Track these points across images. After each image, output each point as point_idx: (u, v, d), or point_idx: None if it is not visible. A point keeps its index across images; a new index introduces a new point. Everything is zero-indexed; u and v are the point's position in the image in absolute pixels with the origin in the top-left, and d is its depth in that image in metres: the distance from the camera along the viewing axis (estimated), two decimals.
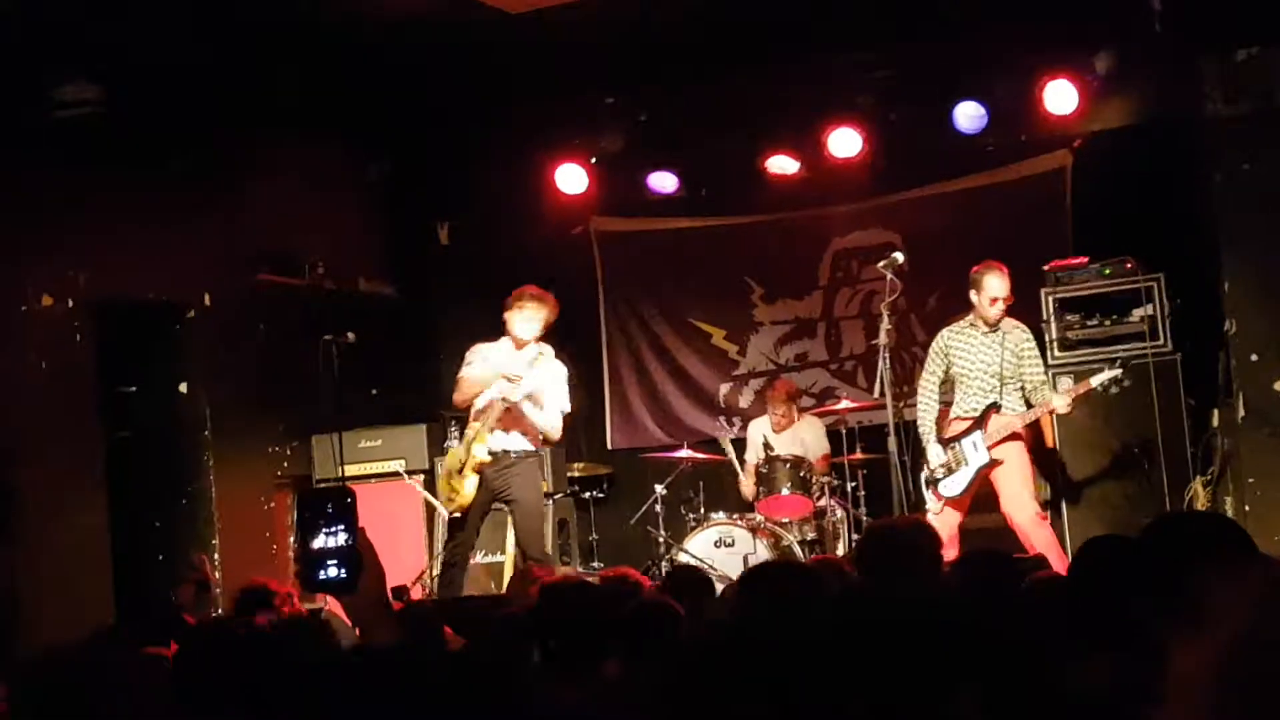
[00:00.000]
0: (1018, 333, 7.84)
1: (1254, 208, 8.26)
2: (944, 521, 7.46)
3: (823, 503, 9.11)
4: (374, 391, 10.18)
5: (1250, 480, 8.22)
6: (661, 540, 9.15)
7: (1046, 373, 8.04)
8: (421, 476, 9.55)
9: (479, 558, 9.01)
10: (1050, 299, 8.92)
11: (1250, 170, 8.29)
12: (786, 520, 8.92)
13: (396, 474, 9.49)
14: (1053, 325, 8.87)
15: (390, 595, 8.12)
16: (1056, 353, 8.81)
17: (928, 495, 7.89)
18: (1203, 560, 2.36)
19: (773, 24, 8.79)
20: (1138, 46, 8.76)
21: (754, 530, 8.73)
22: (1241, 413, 8.26)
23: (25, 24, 7.08)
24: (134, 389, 8.87)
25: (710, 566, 8.13)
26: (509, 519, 8.71)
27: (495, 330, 8.27)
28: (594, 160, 10.20)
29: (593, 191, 10.36)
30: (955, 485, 7.76)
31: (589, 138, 10.15)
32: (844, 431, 9.35)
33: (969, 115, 9.31)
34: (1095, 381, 7.72)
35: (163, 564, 8.75)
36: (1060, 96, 9.04)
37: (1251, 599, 1.39)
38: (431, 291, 11.05)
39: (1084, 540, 3.68)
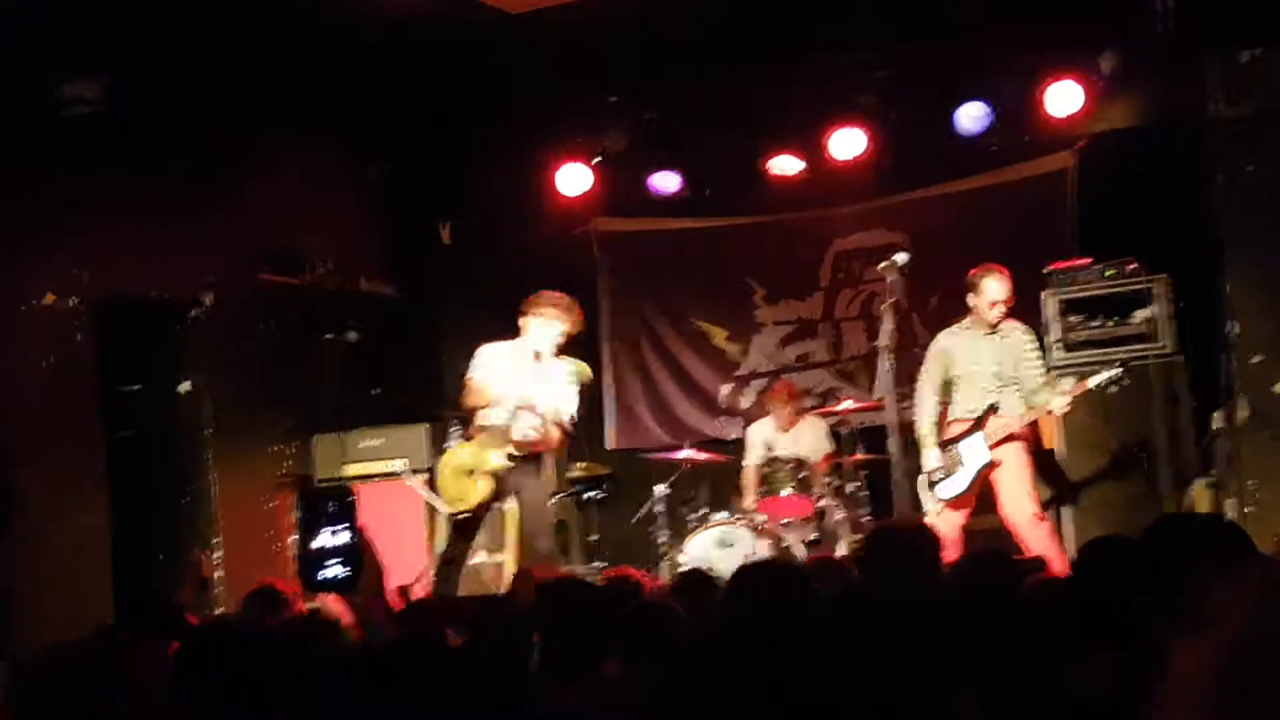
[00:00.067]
0: (1018, 334, 7.83)
1: (1257, 209, 8.25)
2: (946, 523, 7.45)
3: (824, 504, 9.11)
4: (375, 391, 10.18)
5: (1251, 483, 8.21)
6: (662, 541, 9.15)
7: (1048, 374, 8.03)
8: (423, 476, 9.54)
9: (480, 557, 9.00)
10: (1053, 300, 8.91)
11: (1254, 172, 8.28)
12: (787, 521, 8.92)
13: (398, 474, 9.48)
14: (1055, 326, 8.86)
15: (395, 593, 8.10)
16: (1059, 354, 8.80)
17: (927, 497, 7.88)
18: (1203, 561, 2.36)
19: (776, 24, 8.79)
20: (1141, 47, 8.75)
21: (755, 531, 8.72)
22: (1243, 415, 8.25)
23: (25, 24, 7.08)
24: (136, 388, 8.88)
25: (710, 567, 8.11)
26: (511, 518, 8.70)
27: (496, 330, 8.26)
28: (596, 160, 10.19)
29: (595, 191, 10.36)
30: (954, 487, 7.74)
31: (591, 138, 10.15)
32: (845, 433, 9.35)
33: (972, 116, 9.31)
34: (1093, 382, 7.70)
35: (164, 564, 8.76)
36: (1064, 97, 9.03)
37: (1250, 600, 1.39)
38: (433, 291, 11.05)
39: (1085, 541, 3.68)
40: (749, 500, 9.45)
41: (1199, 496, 8.35)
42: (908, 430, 8.09)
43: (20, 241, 7.86)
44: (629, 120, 10.04)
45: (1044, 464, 8.64)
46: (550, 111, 9.99)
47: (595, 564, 9.63)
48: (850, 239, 10.54)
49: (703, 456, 9.53)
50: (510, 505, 8.32)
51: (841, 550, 8.88)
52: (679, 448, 9.65)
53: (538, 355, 7.87)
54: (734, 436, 10.49)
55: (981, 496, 7.83)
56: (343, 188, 10.34)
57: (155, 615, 5.63)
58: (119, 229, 8.40)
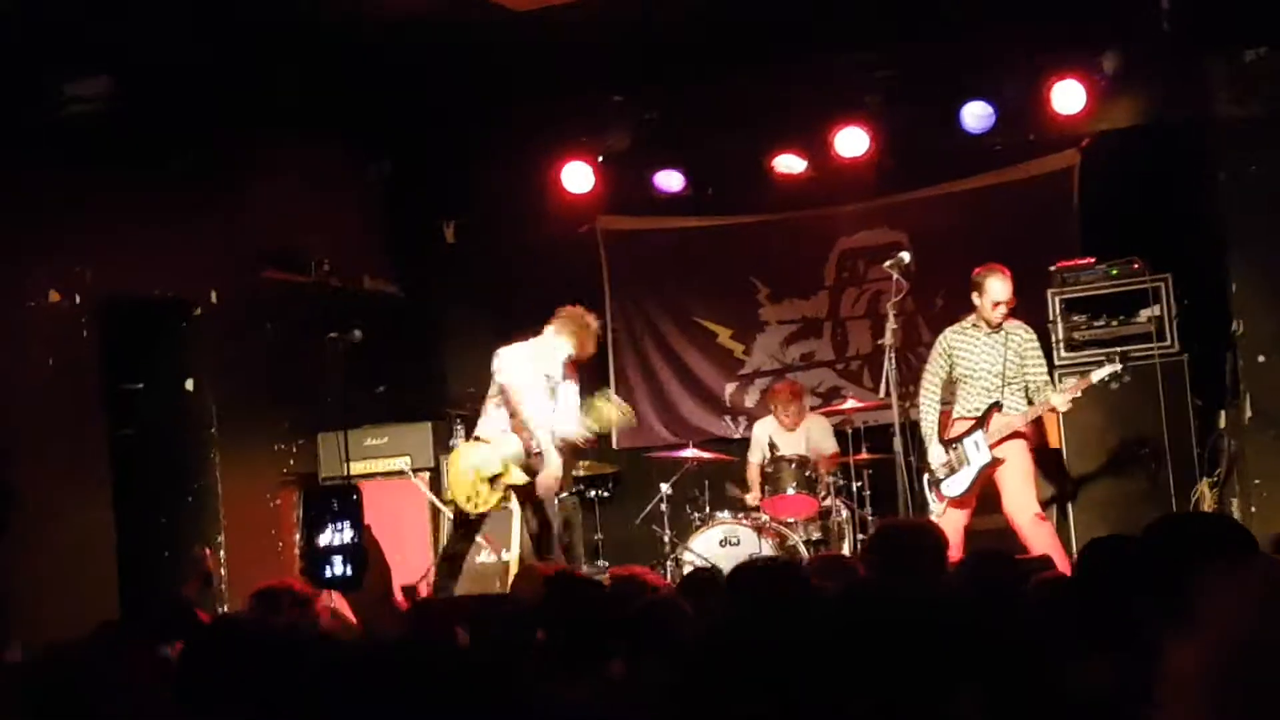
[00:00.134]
0: (1021, 333, 7.83)
1: (1262, 208, 8.25)
2: (949, 522, 7.45)
3: (828, 502, 9.11)
4: (379, 389, 10.19)
5: (1256, 481, 8.21)
6: (666, 539, 9.15)
7: (1051, 373, 8.03)
8: (427, 474, 9.55)
9: (485, 555, 9.02)
10: (1057, 299, 8.91)
11: (1258, 171, 8.28)
12: (792, 520, 8.92)
13: (402, 472, 9.50)
14: (1059, 325, 8.86)
15: (399, 592, 8.13)
16: (1063, 353, 8.80)
17: (930, 496, 7.88)
18: (1204, 561, 2.36)
19: (777, 24, 8.78)
20: (1145, 46, 8.74)
21: (759, 529, 8.73)
22: (1248, 414, 8.25)
23: (25, 24, 7.08)
24: (139, 386, 8.89)
25: (714, 565, 8.12)
26: (517, 516, 8.72)
27: (497, 329, 8.27)
28: (600, 159, 10.19)
29: (599, 190, 10.36)
30: (958, 485, 7.75)
31: (595, 136, 10.15)
32: (850, 431, 9.36)
33: (976, 115, 9.30)
34: (1095, 377, 7.70)
35: (168, 561, 8.76)
36: (1068, 96, 9.02)
37: (1252, 600, 1.39)
38: (435, 290, 11.06)
39: (1088, 540, 3.68)
40: (753, 497, 9.46)
41: (1203, 495, 8.36)
42: (912, 429, 8.10)
43: (23, 240, 7.87)
44: (632, 119, 10.04)
45: (1048, 463, 8.65)
46: (551, 111, 9.98)
47: (600, 562, 9.64)
48: (855, 238, 10.54)
49: (707, 455, 9.53)
50: (515, 504, 8.33)
51: (845, 549, 8.89)
52: (683, 446, 9.66)
53: (548, 377, 7.89)
54: (738, 435, 10.50)
55: (985, 496, 7.84)
56: (343, 187, 10.34)
57: (162, 612, 5.64)
58: (121, 228, 8.41)
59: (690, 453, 9.46)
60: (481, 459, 7.97)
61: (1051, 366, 8.21)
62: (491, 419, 8.06)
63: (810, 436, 9.59)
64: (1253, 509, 8.11)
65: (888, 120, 9.53)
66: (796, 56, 9.39)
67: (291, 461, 9.64)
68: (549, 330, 7.85)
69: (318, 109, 9.34)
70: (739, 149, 10.01)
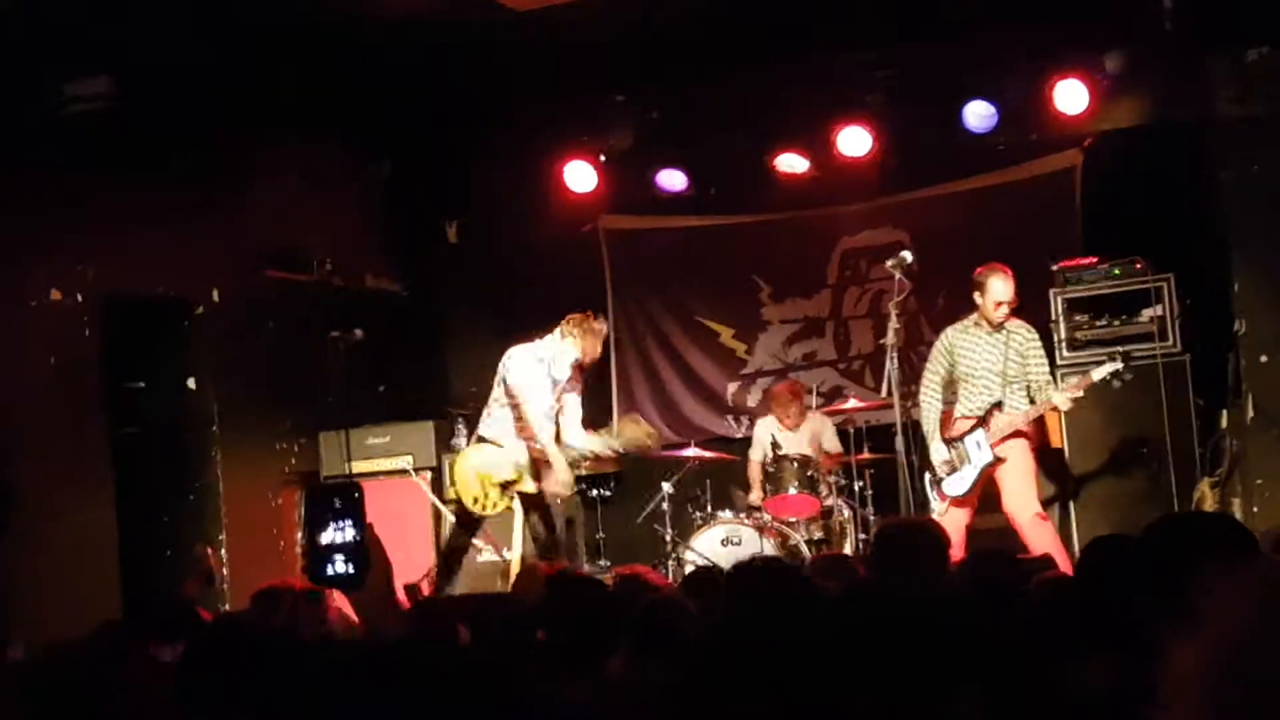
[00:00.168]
0: (1022, 333, 7.82)
1: (1264, 208, 8.24)
2: (951, 521, 7.44)
3: (830, 502, 9.11)
4: (381, 388, 10.19)
5: (1259, 481, 8.20)
6: (668, 538, 9.15)
7: (1053, 372, 8.02)
8: (429, 474, 9.55)
9: (486, 554, 9.02)
10: (1059, 299, 8.90)
11: (1260, 171, 8.28)
12: (793, 519, 8.92)
13: (404, 471, 9.50)
14: (1061, 325, 8.86)
15: (404, 591, 8.11)
16: (1065, 353, 8.79)
17: (932, 495, 7.88)
18: (1204, 561, 2.35)
19: (778, 24, 8.77)
20: (1147, 46, 8.73)
21: (761, 529, 8.72)
22: (1250, 414, 8.24)
23: (26, 24, 7.08)
24: (141, 385, 8.89)
25: (715, 565, 8.12)
26: (518, 515, 8.71)
27: (499, 329, 8.26)
28: (602, 159, 10.20)
29: (601, 190, 10.36)
30: (959, 484, 7.74)
31: (597, 136, 10.15)
32: (851, 431, 9.35)
33: (979, 114, 9.29)
34: (1096, 375, 7.68)
35: (170, 560, 8.77)
36: (1070, 96, 9.01)
37: (1251, 600, 1.39)
38: (436, 290, 11.06)
39: (1090, 540, 3.68)
40: (754, 495, 9.46)
41: (1205, 495, 8.35)
42: (913, 428, 8.09)
43: (24, 239, 7.88)
44: (634, 118, 10.04)
45: (1050, 462, 8.64)
46: (552, 111, 9.98)
47: (601, 562, 9.64)
48: (858, 237, 10.54)
49: (709, 454, 9.53)
50: (515, 503, 8.32)
51: (847, 548, 8.88)
52: (685, 445, 9.65)
53: (564, 385, 7.88)
54: (740, 435, 10.50)
55: (986, 495, 7.83)
56: (344, 187, 10.35)
57: (163, 612, 5.64)
58: (122, 227, 8.41)
59: (692, 452, 9.45)
60: (493, 463, 7.94)
61: (1054, 366, 8.20)
62: (496, 419, 8.04)
63: (813, 436, 9.59)
64: (1255, 509, 8.10)
65: (890, 120, 9.53)
66: (797, 56, 9.39)
67: (293, 460, 9.65)
68: (556, 334, 7.84)
69: (318, 109, 9.35)
70: (741, 148, 10.01)
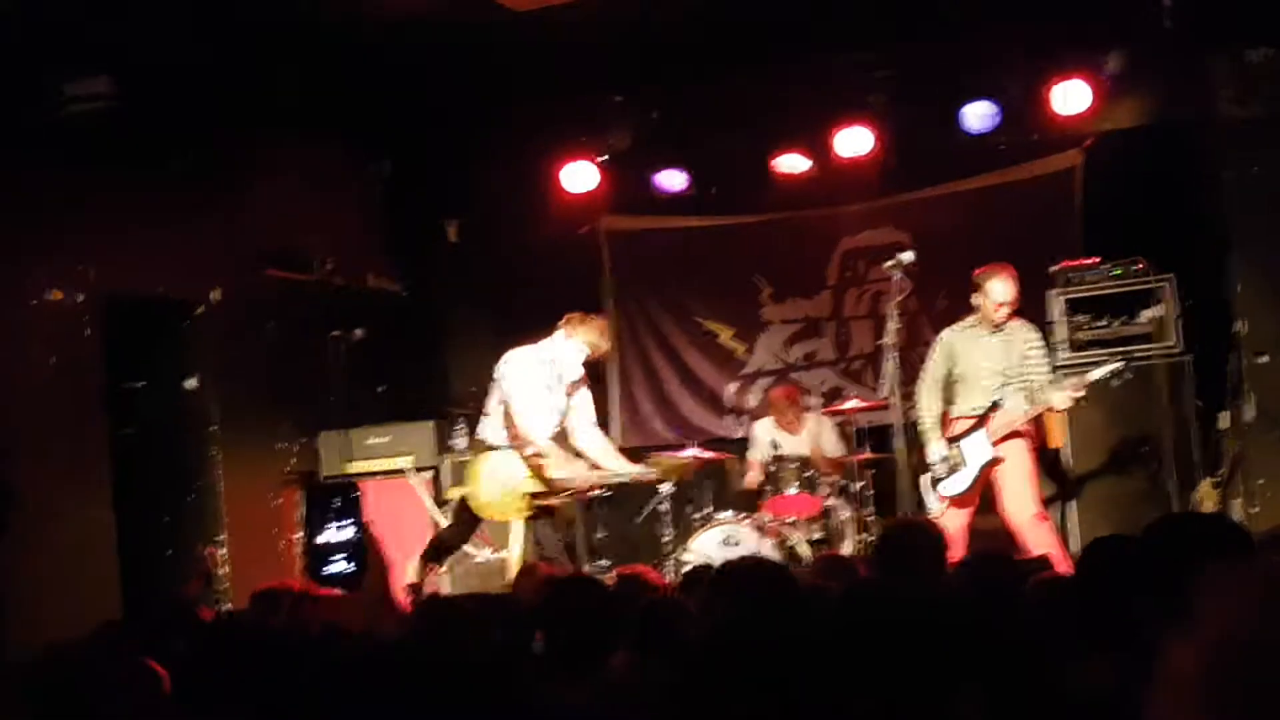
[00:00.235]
0: (1023, 333, 7.80)
1: (1264, 208, 8.25)
2: (950, 521, 7.43)
3: (829, 502, 9.10)
4: (381, 388, 10.19)
5: (1260, 482, 8.20)
6: (668, 539, 9.14)
7: (1053, 373, 8.01)
8: (429, 474, 9.55)
9: (484, 554, 9.01)
10: (1060, 299, 8.90)
11: (1261, 171, 8.28)
12: (793, 519, 8.91)
13: (403, 471, 9.49)
14: (1062, 325, 8.85)
15: (406, 590, 8.10)
16: (1066, 353, 8.79)
17: (931, 495, 7.86)
18: (1204, 561, 2.35)
19: (778, 24, 8.77)
20: (1148, 46, 8.74)
21: (760, 529, 8.72)
22: (1251, 414, 8.24)
23: (26, 24, 7.08)
24: (141, 385, 8.89)
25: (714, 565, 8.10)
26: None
27: (499, 329, 8.24)
28: (603, 159, 10.20)
29: (601, 190, 10.36)
30: (958, 484, 7.73)
31: (596, 136, 10.15)
32: (852, 431, 9.34)
33: (980, 114, 9.30)
34: (1095, 375, 7.66)
35: (170, 560, 8.77)
36: (1071, 96, 9.02)
37: (1251, 600, 1.39)
38: (436, 290, 11.07)
39: (1088, 541, 3.68)
40: (751, 478, 9.45)
41: (1205, 496, 8.35)
42: (913, 429, 8.08)
43: (24, 239, 7.87)
44: (634, 119, 10.04)
45: (1050, 463, 8.63)
46: (552, 111, 9.99)
47: (601, 562, 9.63)
48: (858, 237, 10.54)
49: (709, 455, 9.52)
50: None
51: (847, 549, 8.87)
52: (685, 446, 9.64)
53: (574, 384, 7.83)
54: (740, 435, 10.50)
55: (986, 495, 7.82)
56: (344, 187, 10.35)
57: (163, 612, 5.64)
58: (122, 227, 8.41)
59: (692, 452, 9.44)
60: (520, 475, 7.84)
61: (1054, 366, 8.19)
62: (494, 423, 8.01)
63: (814, 440, 9.58)
64: (1255, 509, 8.11)
65: (890, 120, 9.53)
66: (797, 56, 9.39)
67: (293, 460, 9.64)
68: (559, 334, 7.80)
69: (318, 109, 9.34)
70: (741, 149, 10.01)
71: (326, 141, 9.95)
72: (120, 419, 8.54)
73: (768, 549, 8.53)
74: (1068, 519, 8.67)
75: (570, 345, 7.71)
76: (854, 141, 9.58)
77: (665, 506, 9.18)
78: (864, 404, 9.34)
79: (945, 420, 7.93)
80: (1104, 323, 8.82)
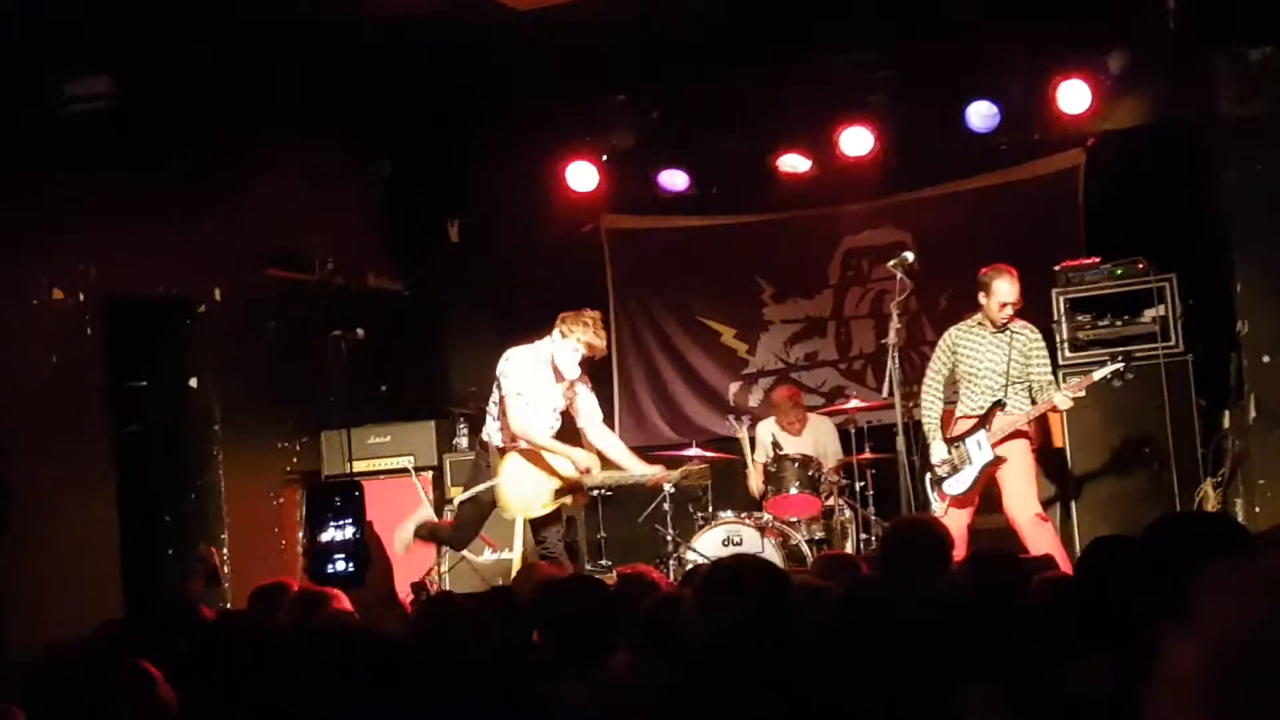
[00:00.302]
0: (1026, 333, 7.80)
1: (1266, 208, 8.24)
2: (952, 521, 7.43)
3: (831, 502, 9.10)
4: (382, 388, 10.20)
5: (1261, 482, 8.19)
6: (669, 538, 9.14)
7: (1055, 372, 8.01)
8: (430, 473, 9.55)
9: (487, 554, 9.01)
10: (1061, 299, 8.90)
11: (1263, 170, 8.26)
12: (795, 519, 8.91)
13: (405, 470, 9.50)
14: (1064, 325, 8.85)
15: (410, 589, 8.08)
16: (1067, 353, 8.79)
17: (933, 495, 7.87)
18: (1204, 560, 2.35)
19: (780, 24, 8.77)
20: (1150, 46, 8.73)
21: (762, 529, 8.71)
22: (1253, 414, 8.23)
23: (26, 24, 7.08)
24: (143, 384, 8.89)
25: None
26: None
27: (500, 328, 8.22)
28: (604, 158, 10.20)
29: (603, 189, 10.36)
30: (960, 484, 7.73)
31: (598, 136, 10.15)
32: (853, 431, 9.34)
33: (982, 114, 9.29)
34: (1097, 375, 7.67)
35: (172, 558, 8.78)
36: (1073, 96, 9.01)
37: (1252, 600, 1.38)
38: (437, 289, 11.06)
39: (1091, 540, 3.67)
40: (754, 484, 9.45)
41: (1207, 495, 8.34)
42: (914, 428, 8.09)
43: (26, 239, 7.88)
44: (636, 118, 10.04)
45: (1052, 462, 8.63)
46: (552, 111, 9.99)
47: (603, 561, 9.64)
48: (859, 237, 10.54)
49: (710, 454, 9.52)
50: None
51: (848, 548, 8.87)
52: (687, 445, 9.64)
53: (571, 383, 7.79)
54: (741, 435, 10.49)
55: (987, 495, 7.82)
56: (345, 187, 10.36)
57: (165, 610, 5.63)
58: (124, 227, 8.42)
59: (693, 452, 9.44)
60: (545, 471, 7.77)
61: (1056, 366, 8.19)
62: (497, 422, 7.99)
63: (817, 443, 9.58)
64: (1257, 509, 8.10)
65: (892, 120, 9.53)
66: (797, 56, 9.39)
67: (295, 460, 9.66)
68: (556, 334, 7.77)
69: (318, 109, 9.35)
70: (742, 148, 10.01)
71: (326, 141, 9.95)
72: (121, 418, 8.55)
73: (769, 549, 8.53)
74: (1069, 518, 8.67)
75: (567, 345, 7.68)
76: (855, 141, 9.58)
77: (667, 506, 9.18)
78: (865, 404, 9.34)
79: (949, 419, 7.94)
80: (1105, 322, 8.82)
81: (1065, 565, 6.05)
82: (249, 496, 9.16)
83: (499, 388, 7.78)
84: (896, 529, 5.16)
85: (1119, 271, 8.82)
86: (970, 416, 7.80)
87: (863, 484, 9.14)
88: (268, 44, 8.26)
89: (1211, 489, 8.37)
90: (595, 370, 8.51)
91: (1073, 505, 8.69)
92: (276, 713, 3.28)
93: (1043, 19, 8.74)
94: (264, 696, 3.33)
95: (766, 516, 8.89)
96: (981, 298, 7.76)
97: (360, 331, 8.98)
